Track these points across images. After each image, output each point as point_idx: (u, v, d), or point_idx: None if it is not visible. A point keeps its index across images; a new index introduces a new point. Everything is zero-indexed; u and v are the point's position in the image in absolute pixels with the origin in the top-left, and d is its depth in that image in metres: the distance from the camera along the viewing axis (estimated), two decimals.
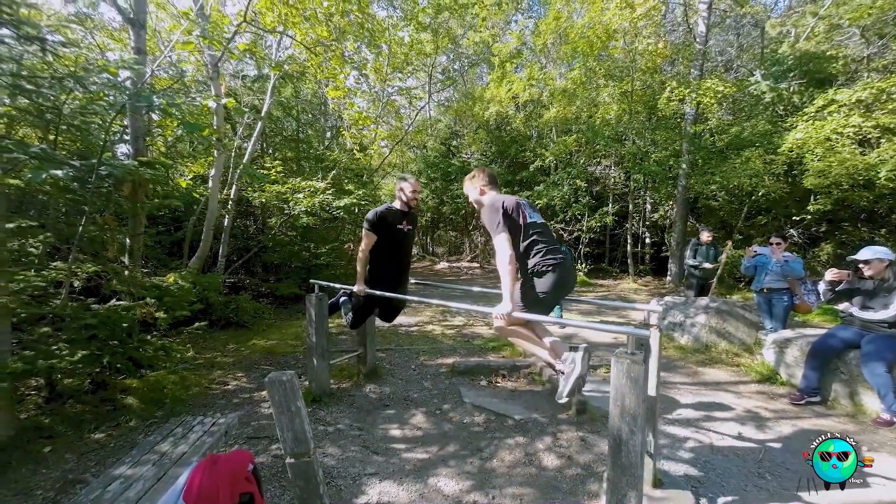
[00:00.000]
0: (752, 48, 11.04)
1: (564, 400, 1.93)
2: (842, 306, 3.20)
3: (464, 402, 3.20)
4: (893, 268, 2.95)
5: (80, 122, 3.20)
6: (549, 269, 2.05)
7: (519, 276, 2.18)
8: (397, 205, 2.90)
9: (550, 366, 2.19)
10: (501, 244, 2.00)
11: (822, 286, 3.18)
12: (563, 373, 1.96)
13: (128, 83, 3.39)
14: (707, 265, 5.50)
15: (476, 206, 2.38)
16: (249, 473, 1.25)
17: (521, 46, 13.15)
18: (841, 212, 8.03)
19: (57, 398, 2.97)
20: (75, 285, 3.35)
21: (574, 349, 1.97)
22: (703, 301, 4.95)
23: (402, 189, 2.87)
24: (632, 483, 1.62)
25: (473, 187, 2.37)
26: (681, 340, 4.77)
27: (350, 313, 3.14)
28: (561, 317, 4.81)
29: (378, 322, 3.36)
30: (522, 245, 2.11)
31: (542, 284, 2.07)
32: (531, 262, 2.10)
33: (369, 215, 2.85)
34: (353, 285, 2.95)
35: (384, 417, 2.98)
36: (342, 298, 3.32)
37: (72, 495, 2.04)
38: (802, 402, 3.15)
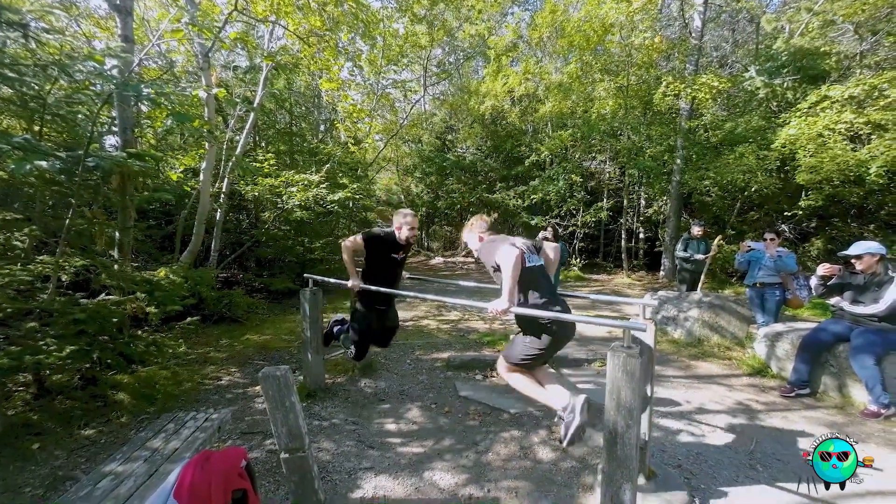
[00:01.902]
0: (747, 44, 11.07)
1: (566, 442, 1.96)
2: (832, 300, 3.24)
3: (459, 396, 3.20)
4: (884, 262, 2.99)
5: (65, 112, 3.11)
6: (549, 325, 2.03)
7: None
8: (397, 236, 2.88)
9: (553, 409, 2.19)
10: (505, 250, 1.95)
11: (813, 281, 3.22)
12: (562, 419, 1.99)
13: (115, 72, 3.30)
14: (699, 256, 5.56)
15: (475, 252, 2.36)
16: (242, 470, 1.23)
17: (517, 40, 13.05)
18: (831, 207, 8.12)
19: (46, 394, 2.91)
20: (63, 280, 3.28)
21: (574, 395, 1.99)
22: (696, 295, 5.00)
23: (401, 227, 2.85)
24: (627, 475, 1.63)
25: (472, 235, 2.36)
26: (674, 334, 4.81)
27: (352, 347, 3.14)
28: None
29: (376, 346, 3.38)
30: (522, 291, 2.06)
31: (540, 342, 2.06)
32: (529, 310, 2.05)
33: (373, 230, 2.92)
34: (348, 280, 2.93)
35: (379, 412, 2.97)
36: (336, 328, 3.33)
37: (61, 492, 2.01)
38: (792, 394, 3.19)
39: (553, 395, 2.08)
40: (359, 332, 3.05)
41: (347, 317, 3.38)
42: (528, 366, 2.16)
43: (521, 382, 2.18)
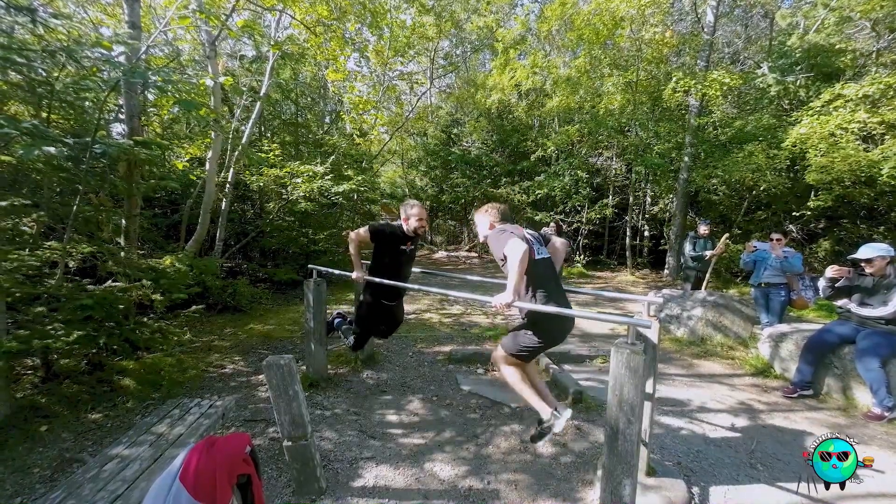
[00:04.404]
0: (760, 40, 10.88)
1: (536, 443, 2.20)
2: (840, 302, 3.21)
3: (460, 389, 3.22)
4: (894, 264, 2.95)
5: (73, 98, 3.11)
6: (551, 319, 2.04)
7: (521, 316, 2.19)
8: (405, 228, 2.85)
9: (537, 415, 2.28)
10: (514, 244, 1.91)
11: (822, 282, 3.18)
12: (542, 423, 2.15)
13: (122, 59, 3.30)
14: (708, 253, 5.54)
15: (482, 238, 2.34)
16: (247, 455, 1.25)
17: (526, 32, 12.90)
18: (841, 208, 8.01)
19: (53, 378, 2.96)
20: (70, 266, 3.31)
21: (559, 414, 2.11)
22: (700, 294, 4.97)
23: (408, 218, 2.80)
24: (627, 471, 1.63)
25: (485, 222, 2.33)
26: (677, 333, 4.79)
27: (351, 337, 3.13)
28: None
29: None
30: (528, 284, 2.05)
31: (541, 332, 2.08)
32: (536, 301, 2.06)
33: (378, 224, 2.88)
34: (352, 272, 2.94)
35: (381, 403, 2.99)
36: (337, 320, 3.34)
37: (69, 474, 2.05)
38: (795, 395, 3.18)
39: (541, 403, 2.17)
40: (362, 323, 3.04)
41: (350, 311, 3.39)
42: (525, 358, 2.19)
43: (515, 377, 2.21)
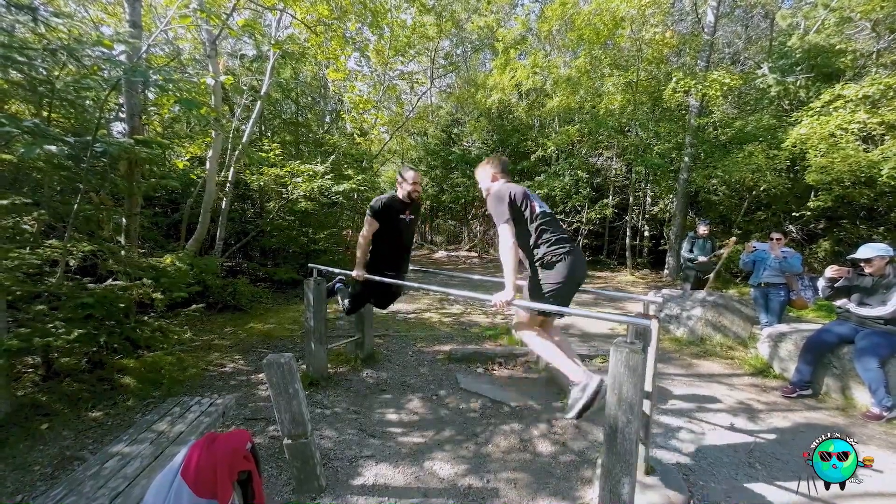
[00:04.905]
0: (761, 40, 10.89)
1: (570, 416, 1.93)
2: (839, 302, 3.21)
3: (460, 388, 3.23)
4: (893, 264, 2.95)
5: (73, 97, 3.12)
6: (561, 258, 2.02)
7: (527, 268, 2.15)
8: (400, 195, 2.87)
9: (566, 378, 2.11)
10: (505, 233, 1.97)
11: (821, 282, 3.19)
12: (575, 385, 1.95)
13: (123, 58, 3.30)
14: (702, 258, 5.53)
15: (484, 193, 2.33)
16: (248, 452, 1.26)
17: (526, 32, 12.90)
18: (840, 209, 8.01)
19: (54, 376, 2.97)
20: (71, 264, 3.32)
21: (591, 376, 1.93)
22: (700, 294, 4.97)
23: (402, 182, 2.85)
24: (626, 470, 1.64)
25: (486, 174, 2.33)
26: (676, 333, 4.80)
27: (347, 300, 3.16)
28: None
29: (375, 308, 3.40)
30: (532, 235, 2.07)
31: (553, 276, 2.03)
32: (541, 252, 2.05)
33: (374, 203, 2.87)
34: (352, 271, 2.95)
35: (381, 402, 3.00)
36: (338, 285, 3.37)
37: (70, 471, 2.05)
38: (794, 395, 3.19)
39: (571, 367, 2.02)
40: (362, 291, 3.04)
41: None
42: (546, 311, 2.09)
43: (539, 343, 2.10)
